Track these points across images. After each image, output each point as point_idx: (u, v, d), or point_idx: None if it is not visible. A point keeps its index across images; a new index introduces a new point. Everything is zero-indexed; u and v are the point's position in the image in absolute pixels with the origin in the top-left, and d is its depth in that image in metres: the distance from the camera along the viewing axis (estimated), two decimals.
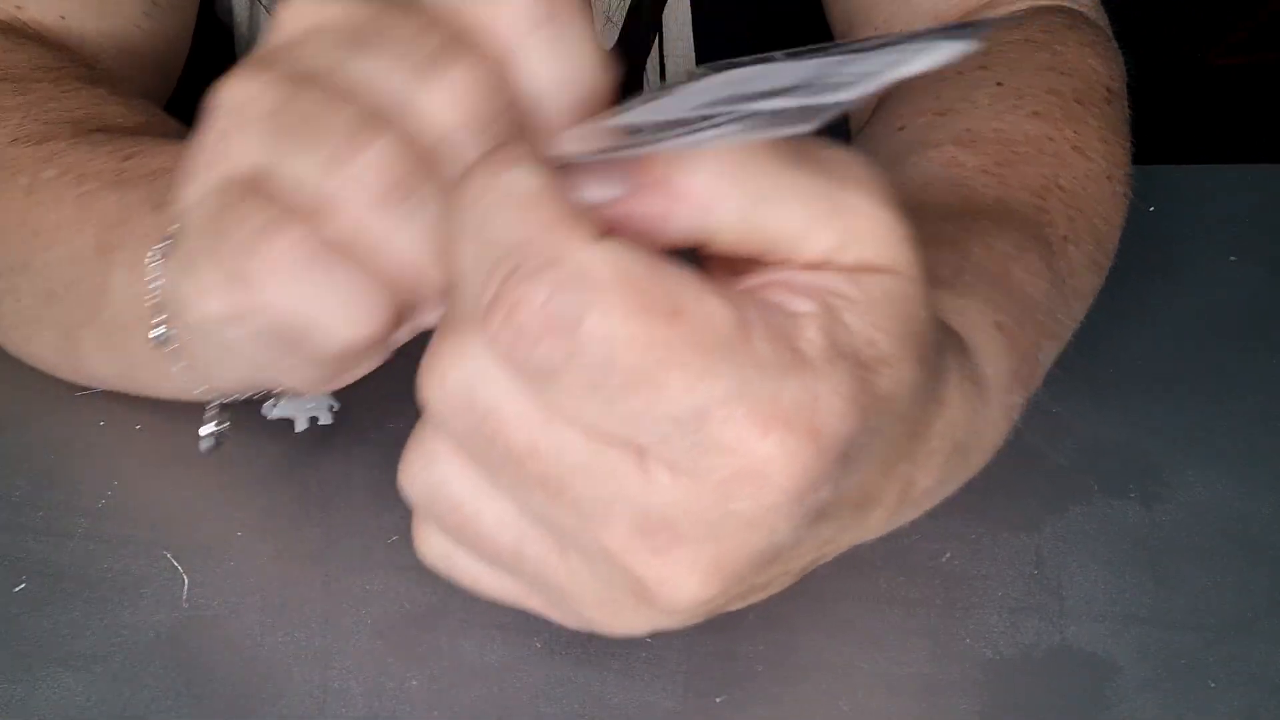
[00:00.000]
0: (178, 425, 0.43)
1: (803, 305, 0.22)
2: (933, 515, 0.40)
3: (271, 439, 0.43)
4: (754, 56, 0.20)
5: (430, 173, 0.26)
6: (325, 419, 0.41)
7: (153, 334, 0.34)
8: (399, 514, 0.40)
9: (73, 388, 0.44)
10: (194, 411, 0.44)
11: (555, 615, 0.27)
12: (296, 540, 0.39)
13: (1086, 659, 0.35)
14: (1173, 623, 0.36)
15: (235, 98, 0.27)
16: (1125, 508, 0.40)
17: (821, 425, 0.21)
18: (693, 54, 0.63)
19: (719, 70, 0.20)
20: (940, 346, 0.25)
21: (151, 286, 0.34)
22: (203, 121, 0.28)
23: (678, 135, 0.20)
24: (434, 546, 0.27)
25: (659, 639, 0.36)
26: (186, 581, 0.38)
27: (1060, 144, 0.38)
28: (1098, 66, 0.43)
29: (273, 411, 0.41)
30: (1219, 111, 1.61)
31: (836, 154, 0.23)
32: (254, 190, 0.26)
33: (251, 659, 0.36)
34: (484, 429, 0.23)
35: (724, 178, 0.22)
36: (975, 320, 0.32)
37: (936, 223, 0.35)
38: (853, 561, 0.38)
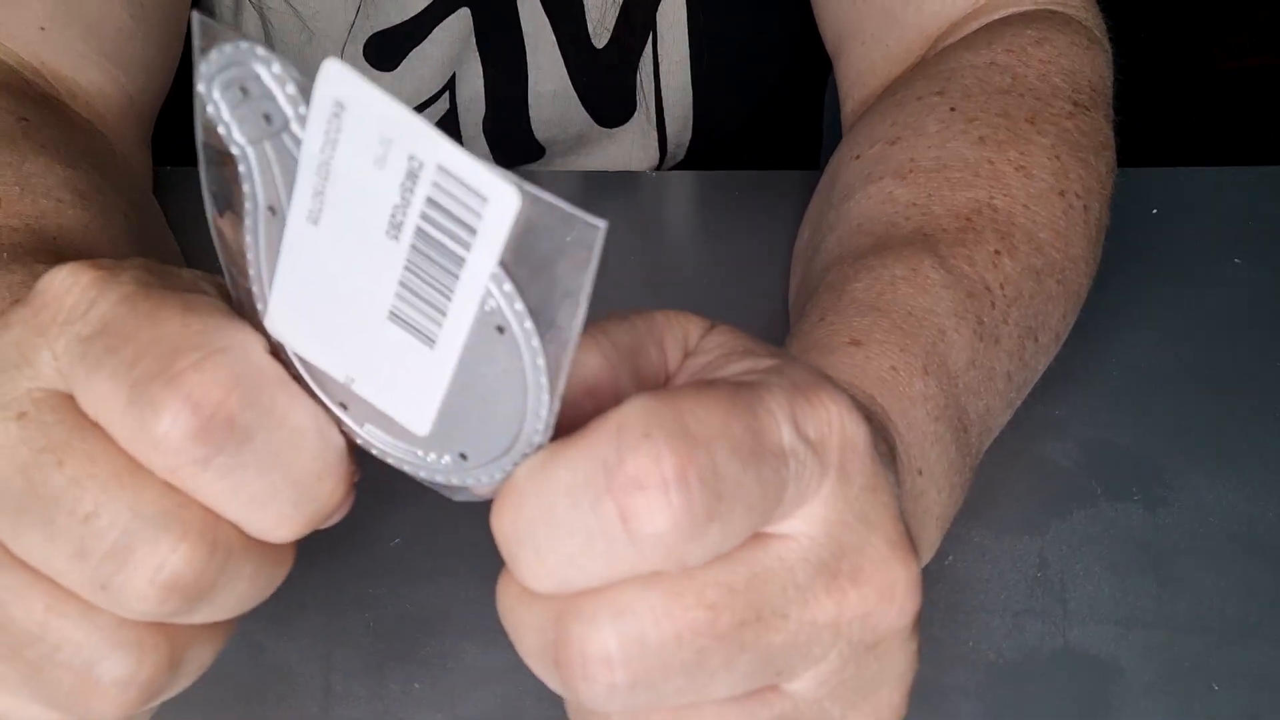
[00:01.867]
0: None
1: None
2: None
3: None
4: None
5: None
6: None
7: None
8: (402, 518, 0.40)
9: None
10: None
11: None
12: (299, 544, 0.39)
13: (1090, 662, 0.35)
14: (1176, 626, 0.36)
15: None
16: (1129, 511, 0.40)
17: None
18: (687, 55, 0.62)
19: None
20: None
21: None
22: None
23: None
24: None
25: None
26: None
27: (1001, 165, 0.39)
28: (1061, 84, 0.43)
29: None
30: (1223, 114, 1.61)
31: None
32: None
33: (256, 662, 0.36)
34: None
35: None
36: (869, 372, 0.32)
37: (848, 280, 0.36)
38: None
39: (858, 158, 0.43)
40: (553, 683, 0.23)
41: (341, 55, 0.59)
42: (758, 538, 0.22)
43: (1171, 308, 0.48)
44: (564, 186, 0.61)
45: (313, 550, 0.39)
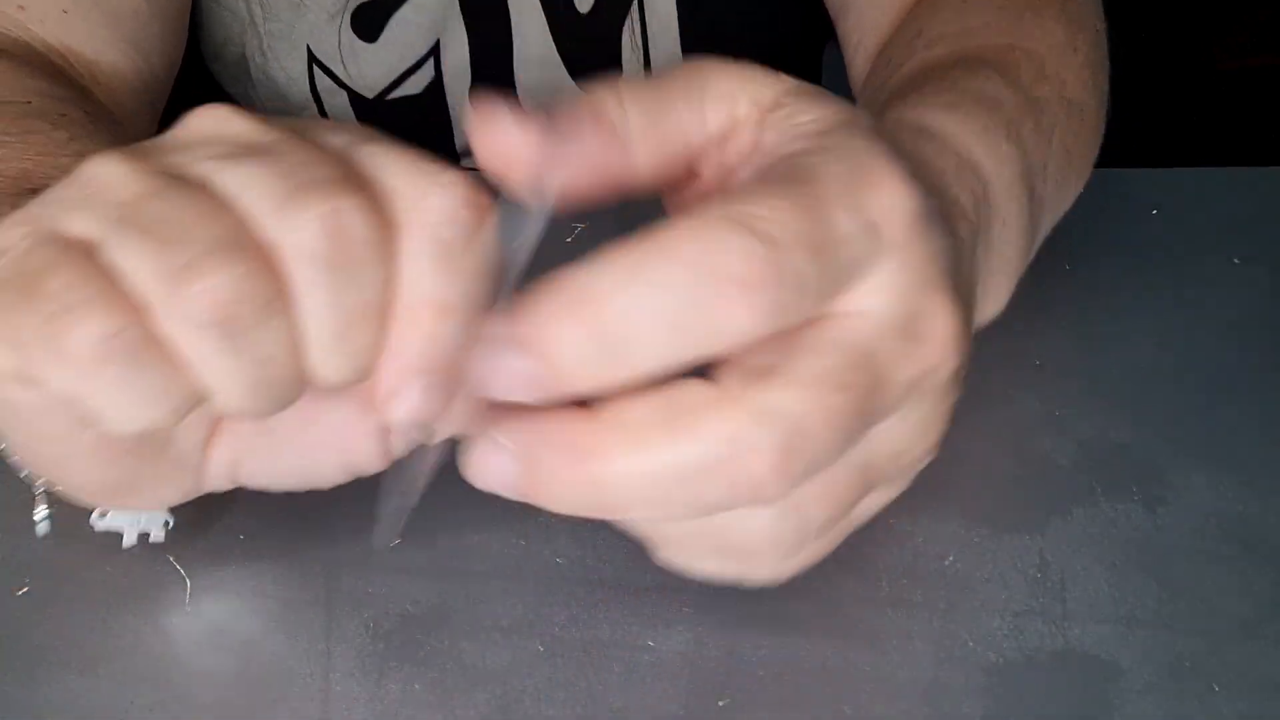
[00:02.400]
0: None
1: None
2: (936, 518, 0.40)
3: None
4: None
5: (269, 311, 0.26)
6: (157, 535, 0.37)
7: None
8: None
9: None
10: None
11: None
12: (299, 543, 0.39)
13: (1090, 662, 0.35)
14: (1176, 626, 0.36)
15: (99, 174, 0.27)
16: (1128, 510, 0.40)
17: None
18: (675, 17, 0.62)
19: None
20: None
21: None
22: (58, 184, 0.27)
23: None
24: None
25: (661, 641, 0.36)
26: (189, 585, 0.38)
27: (1022, 24, 0.43)
28: None
29: (100, 523, 0.36)
30: (1223, 114, 1.61)
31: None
32: (72, 258, 0.26)
33: (254, 662, 0.36)
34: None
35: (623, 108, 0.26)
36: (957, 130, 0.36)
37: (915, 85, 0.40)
38: (856, 564, 0.38)
39: (889, 63, 0.46)
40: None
41: (338, 27, 0.59)
42: (835, 320, 0.25)
43: (1172, 307, 0.48)
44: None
45: (311, 550, 0.39)
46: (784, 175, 0.25)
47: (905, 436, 0.27)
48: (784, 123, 0.27)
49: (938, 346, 0.26)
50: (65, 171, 0.37)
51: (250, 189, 0.26)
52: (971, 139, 0.35)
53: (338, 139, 0.28)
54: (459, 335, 0.27)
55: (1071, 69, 0.43)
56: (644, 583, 0.38)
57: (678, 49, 0.63)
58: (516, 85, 0.63)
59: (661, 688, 0.35)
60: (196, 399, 0.27)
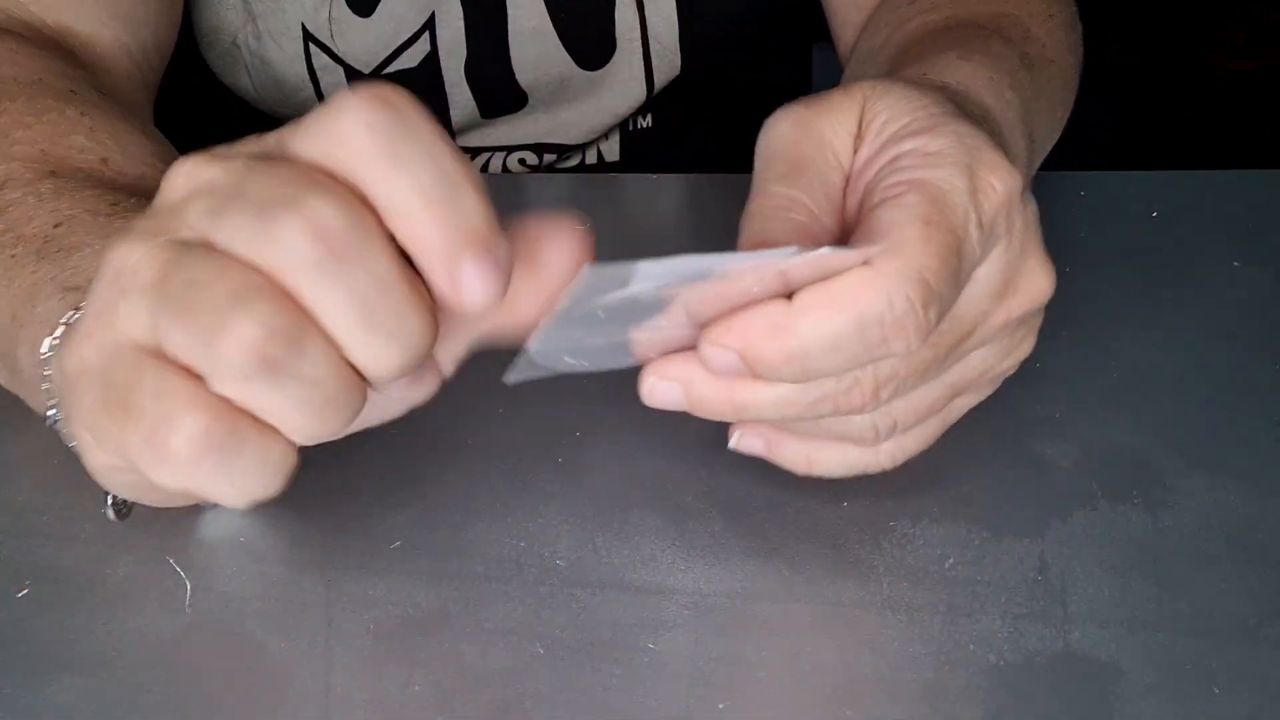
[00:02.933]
0: None
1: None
2: (936, 521, 0.40)
3: None
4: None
5: (300, 334, 0.27)
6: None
7: (47, 414, 0.36)
8: (401, 519, 0.40)
9: None
10: None
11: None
12: (299, 545, 0.39)
13: (1091, 665, 0.35)
14: (1177, 628, 0.36)
15: (121, 264, 0.28)
16: (1129, 513, 0.40)
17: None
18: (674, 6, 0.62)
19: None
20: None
21: (45, 373, 0.35)
22: (96, 280, 0.29)
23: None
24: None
25: (662, 644, 0.36)
26: (189, 586, 0.38)
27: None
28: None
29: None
30: (1223, 116, 1.61)
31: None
32: (146, 366, 0.28)
33: (254, 664, 0.36)
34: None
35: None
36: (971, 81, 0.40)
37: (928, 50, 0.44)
38: (856, 567, 0.38)
39: (880, 28, 0.51)
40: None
41: (330, 2, 0.59)
42: None
43: (1171, 309, 0.48)
44: (558, 188, 0.61)
45: (311, 552, 0.39)
46: (919, 210, 0.31)
47: (993, 358, 0.36)
48: (886, 129, 0.34)
49: (1028, 298, 0.35)
50: (83, 150, 0.39)
51: (239, 231, 0.27)
52: (982, 87, 0.40)
53: (270, 143, 0.29)
54: (466, 205, 0.27)
55: (1048, 31, 0.48)
56: (644, 585, 0.38)
57: (674, 21, 0.63)
58: (511, 59, 0.63)
59: (662, 690, 0.35)
60: (290, 454, 0.29)
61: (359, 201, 0.27)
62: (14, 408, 0.44)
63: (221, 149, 0.29)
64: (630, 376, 0.42)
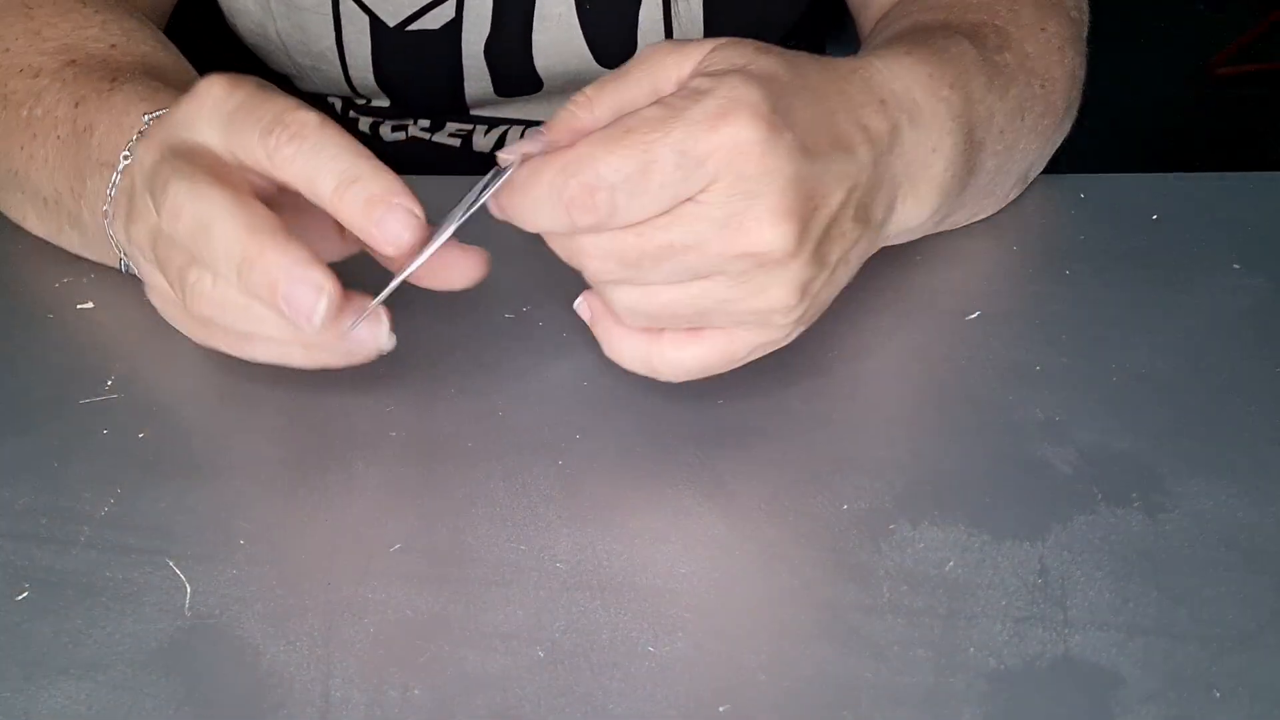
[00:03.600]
0: (181, 433, 0.43)
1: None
2: (936, 525, 0.40)
3: (273, 447, 0.43)
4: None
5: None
6: None
7: (121, 265, 0.47)
8: (401, 523, 0.40)
9: (76, 395, 0.45)
10: (193, 418, 0.44)
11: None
12: (298, 549, 0.39)
13: (1091, 669, 0.35)
14: (1177, 633, 0.36)
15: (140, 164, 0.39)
16: (1129, 517, 0.40)
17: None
18: None
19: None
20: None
21: (111, 234, 0.45)
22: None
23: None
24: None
25: (661, 647, 0.36)
26: (189, 590, 0.38)
27: (996, 6, 0.51)
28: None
29: None
30: (1222, 119, 1.61)
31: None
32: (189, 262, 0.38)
33: (253, 668, 0.36)
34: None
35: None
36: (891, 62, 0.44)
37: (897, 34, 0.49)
38: (856, 570, 0.38)
39: (889, 24, 0.53)
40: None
41: None
42: (685, 202, 0.37)
43: (1171, 313, 0.48)
44: None
45: (311, 556, 0.39)
46: (630, 121, 0.37)
47: (735, 292, 0.38)
48: (701, 71, 0.38)
49: (751, 240, 0.37)
50: (95, 40, 0.50)
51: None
52: (912, 80, 0.43)
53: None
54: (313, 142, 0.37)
55: (1037, 44, 0.50)
56: (644, 588, 0.38)
57: (700, 14, 0.63)
58: (532, 43, 0.63)
59: (662, 694, 0.35)
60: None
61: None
62: (12, 411, 0.44)
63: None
64: (631, 380, 0.42)
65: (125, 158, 0.44)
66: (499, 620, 0.37)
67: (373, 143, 0.70)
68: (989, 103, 0.46)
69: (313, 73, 0.67)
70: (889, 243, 0.46)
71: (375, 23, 0.63)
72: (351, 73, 0.67)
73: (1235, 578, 0.38)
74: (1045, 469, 0.42)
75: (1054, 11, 0.52)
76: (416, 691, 0.35)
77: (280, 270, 0.36)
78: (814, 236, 0.38)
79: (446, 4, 0.62)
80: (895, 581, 0.38)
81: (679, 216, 0.37)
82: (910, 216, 0.45)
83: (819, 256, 0.39)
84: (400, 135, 0.70)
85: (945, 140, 0.44)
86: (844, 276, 0.42)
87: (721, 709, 0.34)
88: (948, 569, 0.38)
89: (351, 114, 0.70)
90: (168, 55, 0.51)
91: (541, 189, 0.37)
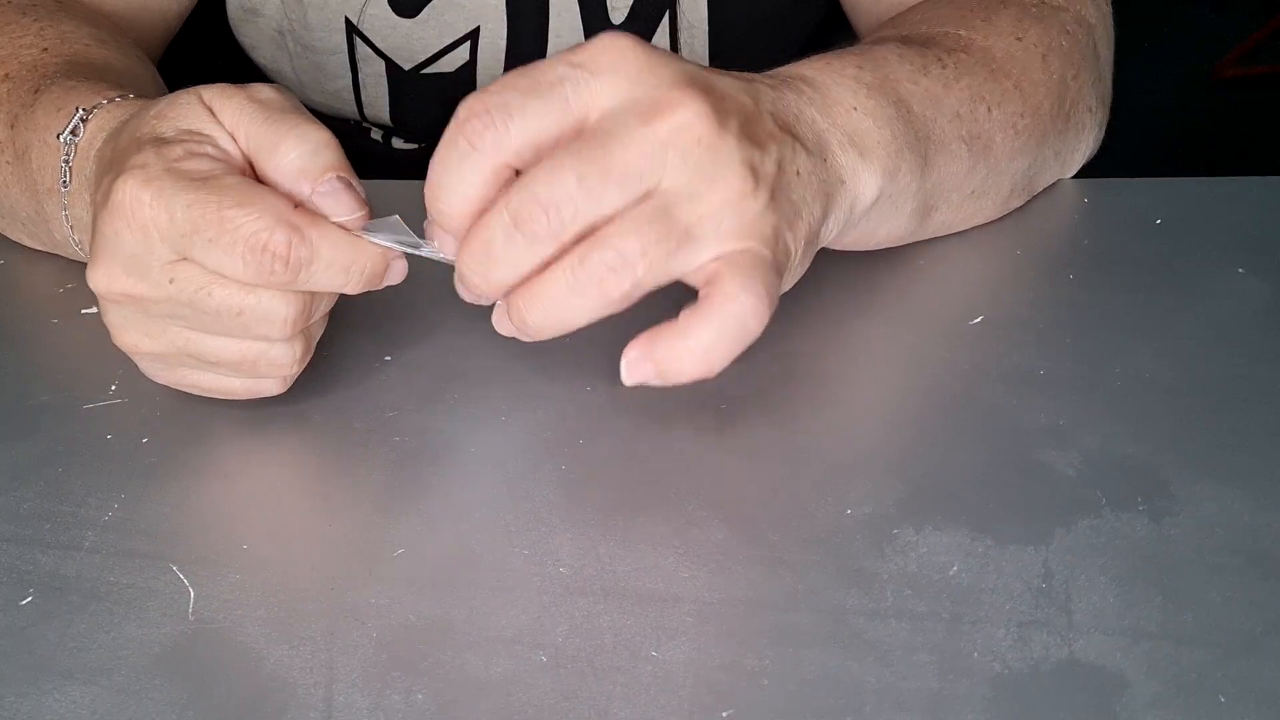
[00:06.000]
0: (185, 438, 0.43)
1: None
2: (940, 529, 0.40)
3: (277, 453, 0.43)
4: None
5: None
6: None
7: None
8: (404, 527, 0.40)
9: (80, 400, 0.45)
10: (197, 422, 0.44)
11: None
12: (302, 554, 0.39)
13: (1095, 674, 0.35)
14: (1182, 638, 0.36)
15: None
16: (1133, 521, 0.40)
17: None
18: (706, 25, 0.63)
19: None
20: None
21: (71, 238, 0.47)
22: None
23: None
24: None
25: (664, 652, 0.36)
26: (192, 594, 0.38)
27: (968, 16, 0.51)
28: None
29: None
30: (1226, 124, 1.61)
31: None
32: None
33: (257, 672, 0.36)
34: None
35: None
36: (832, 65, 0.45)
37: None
38: (859, 575, 0.38)
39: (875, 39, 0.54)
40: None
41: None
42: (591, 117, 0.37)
43: (1176, 317, 0.48)
44: None
45: (314, 560, 0.39)
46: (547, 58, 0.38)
47: (695, 179, 0.37)
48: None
49: (680, 110, 0.36)
50: (29, 46, 0.50)
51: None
52: (814, 68, 0.45)
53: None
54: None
55: (1008, 48, 0.50)
56: (647, 593, 0.38)
57: (706, 53, 0.64)
58: None
59: (664, 699, 0.35)
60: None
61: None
62: (17, 416, 0.44)
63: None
64: (630, 387, 0.42)
65: (64, 184, 0.45)
66: (502, 625, 0.37)
67: (385, 153, 0.70)
68: (924, 85, 0.46)
69: (326, 109, 0.68)
70: (868, 219, 0.45)
71: (391, 66, 0.64)
72: (366, 110, 0.67)
73: (1240, 582, 0.38)
74: (1049, 473, 0.42)
75: (1037, 23, 0.52)
76: (419, 696, 0.35)
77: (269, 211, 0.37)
78: (732, 115, 0.37)
79: (461, 48, 0.63)
80: (899, 586, 0.38)
81: (600, 125, 0.36)
82: (863, 173, 0.43)
83: (749, 136, 0.38)
84: (413, 145, 0.70)
85: (865, 101, 0.44)
86: (804, 194, 0.40)
87: (724, 714, 0.34)
88: (951, 573, 0.38)
89: (364, 124, 0.70)
90: (100, 50, 0.51)
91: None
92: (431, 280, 0.43)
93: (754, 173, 0.37)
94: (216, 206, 0.37)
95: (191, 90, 0.40)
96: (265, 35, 0.66)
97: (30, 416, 0.44)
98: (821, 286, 0.48)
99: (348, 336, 0.47)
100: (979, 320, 0.48)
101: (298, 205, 0.38)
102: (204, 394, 0.42)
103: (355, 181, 0.39)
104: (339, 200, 0.38)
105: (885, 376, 0.46)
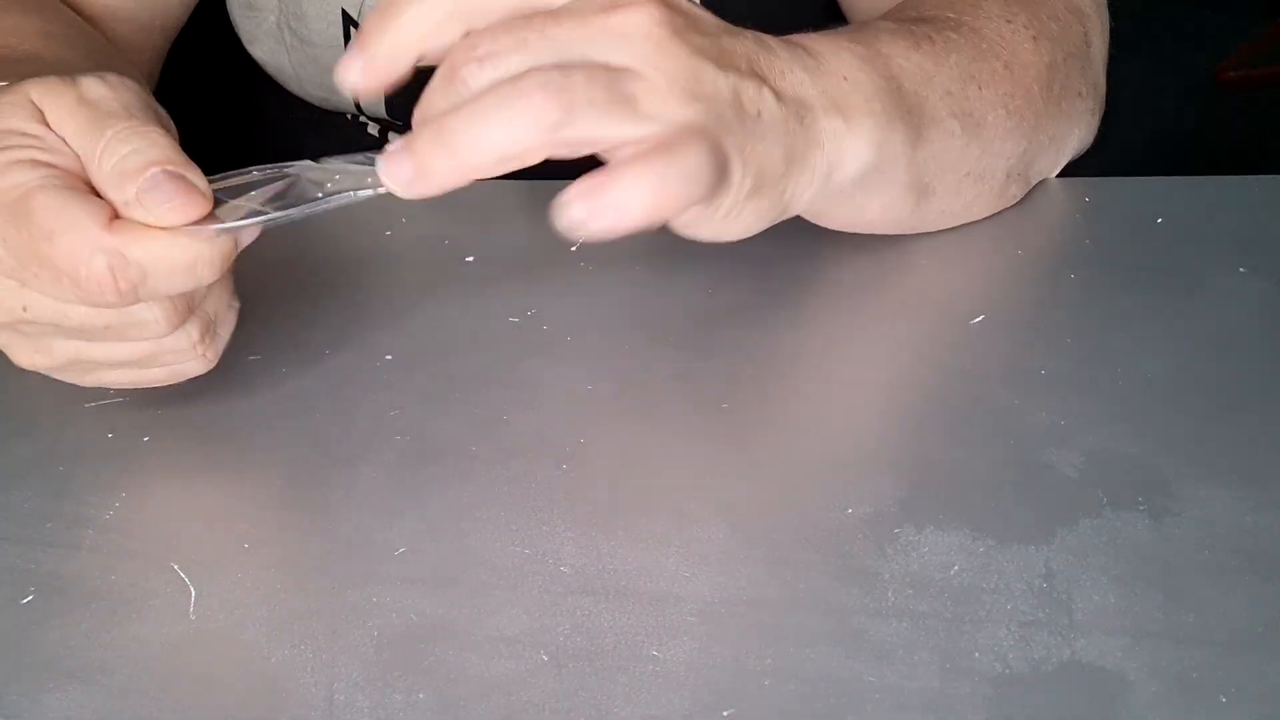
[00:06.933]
0: (185, 438, 0.43)
1: None
2: (941, 529, 0.40)
3: (278, 451, 0.43)
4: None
5: None
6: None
7: None
8: (406, 526, 0.40)
9: (82, 399, 0.45)
10: (197, 422, 0.44)
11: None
12: (303, 553, 0.39)
13: (1097, 673, 0.35)
14: (1183, 637, 0.36)
15: None
16: (1134, 521, 0.40)
17: None
18: None
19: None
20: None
21: None
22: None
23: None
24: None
25: (666, 651, 0.36)
26: (193, 594, 0.38)
27: (958, 2, 0.52)
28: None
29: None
30: (1229, 123, 1.61)
31: None
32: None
33: (258, 672, 0.36)
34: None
35: None
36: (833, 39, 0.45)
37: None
38: (860, 574, 0.38)
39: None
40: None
41: None
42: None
43: (1177, 317, 0.48)
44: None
45: (316, 559, 0.39)
46: None
47: (633, 66, 0.36)
48: None
49: (635, 8, 0.36)
50: None
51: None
52: (812, 39, 0.45)
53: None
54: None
55: (998, 30, 0.51)
56: (649, 592, 0.38)
57: None
58: None
59: (666, 698, 0.35)
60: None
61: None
62: (18, 414, 0.44)
63: None
64: (635, 385, 0.42)
65: None
66: (503, 624, 0.37)
67: (380, 149, 0.71)
68: (915, 60, 0.47)
69: (324, 103, 0.68)
70: (859, 192, 0.45)
71: None
72: (363, 104, 0.67)
73: (1242, 581, 0.38)
74: (1050, 473, 0.42)
75: (1028, 8, 0.52)
76: (421, 695, 0.35)
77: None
78: (695, 32, 0.38)
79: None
80: (900, 586, 0.38)
81: (561, 6, 0.37)
82: (846, 141, 0.43)
83: (708, 55, 0.38)
84: None
85: (857, 74, 0.44)
86: (761, 131, 0.39)
87: (726, 713, 0.34)
88: (953, 573, 0.38)
89: (361, 119, 0.71)
90: (38, 44, 0.49)
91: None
92: (432, 279, 0.43)
93: (701, 81, 0.37)
94: (30, 239, 0.35)
95: (22, 87, 0.37)
96: (264, 29, 0.66)
97: (31, 415, 0.44)
98: (822, 286, 0.48)
99: (348, 336, 0.47)
100: (980, 320, 0.48)
101: (116, 217, 0.36)
102: (135, 387, 0.41)
103: (188, 170, 0.36)
104: (164, 195, 0.35)
105: (886, 376, 0.46)
